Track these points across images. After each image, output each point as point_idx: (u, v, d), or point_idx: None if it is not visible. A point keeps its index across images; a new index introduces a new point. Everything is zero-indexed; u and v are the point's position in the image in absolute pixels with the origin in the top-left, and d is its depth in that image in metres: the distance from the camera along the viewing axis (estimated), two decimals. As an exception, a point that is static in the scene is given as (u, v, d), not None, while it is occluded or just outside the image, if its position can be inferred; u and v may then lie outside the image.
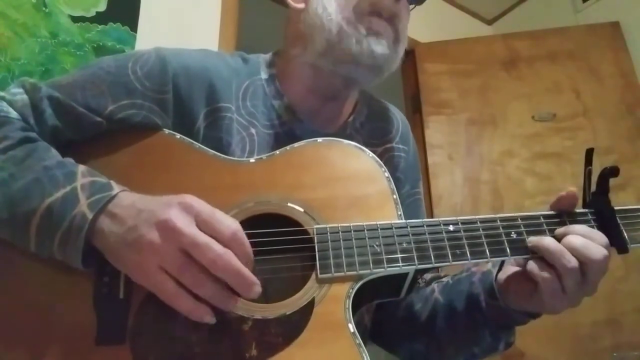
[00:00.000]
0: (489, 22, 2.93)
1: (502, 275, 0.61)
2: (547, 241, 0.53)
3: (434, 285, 0.70)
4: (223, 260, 0.45)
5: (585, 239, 0.53)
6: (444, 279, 0.71)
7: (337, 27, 0.64)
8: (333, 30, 0.64)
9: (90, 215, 0.48)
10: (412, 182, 0.81)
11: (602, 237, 0.54)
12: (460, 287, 0.66)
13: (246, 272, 0.46)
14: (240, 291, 0.47)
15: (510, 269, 0.60)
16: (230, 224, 0.48)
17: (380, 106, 0.83)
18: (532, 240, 0.55)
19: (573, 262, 0.51)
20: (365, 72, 0.67)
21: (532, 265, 0.54)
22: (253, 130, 0.68)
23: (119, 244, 0.48)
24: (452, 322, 0.65)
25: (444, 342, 0.67)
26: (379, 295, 0.61)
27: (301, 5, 0.70)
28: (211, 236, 0.46)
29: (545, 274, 0.52)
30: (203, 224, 0.47)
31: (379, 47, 0.64)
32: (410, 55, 2.36)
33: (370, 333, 0.75)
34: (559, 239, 0.54)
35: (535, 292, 0.54)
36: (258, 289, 0.47)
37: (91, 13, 1.49)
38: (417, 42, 2.36)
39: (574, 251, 0.52)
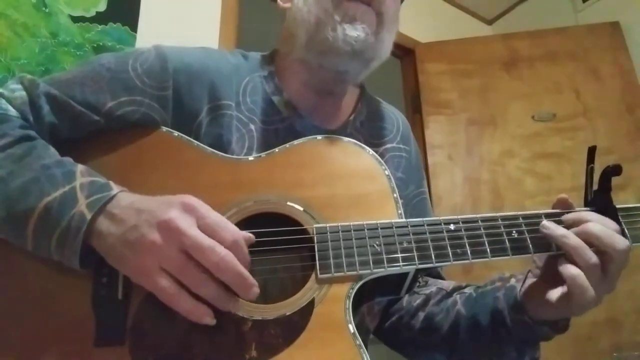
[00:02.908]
0: (489, 22, 2.93)
1: (524, 289, 0.60)
2: (569, 236, 0.53)
3: (456, 297, 0.69)
4: (226, 262, 0.45)
5: (604, 227, 0.52)
6: (466, 291, 0.69)
7: (315, 17, 0.64)
8: (312, 21, 0.64)
9: (89, 216, 0.48)
10: (416, 182, 0.80)
11: (614, 224, 0.53)
12: (484, 301, 0.64)
13: (247, 274, 0.47)
14: (240, 293, 0.47)
15: (531, 281, 0.59)
16: (232, 230, 0.48)
17: (380, 106, 0.83)
18: (549, 227, 0.54)
19: (595, 258, 0.51)
20: (347, 60, 0.65)
21: (571, 271, 0.52)
22: (252, 127, 0.67)
23: (119, 245, 0.47)
24: (476, 336, 0.64)
25: (467, 355, 0.66)
26: (379, 294, 0.61)
27: (287, 5, 0.70)
28: (212, 238, 0.46)
29: (572, 271, 0.51)
30: (205, 227, 0.47)
31: (354, 32, 0.63)
32: (410, 55, 2.36)
33: (386, 339, 0.75)
34: (569, 224, 0.54)
35: (564, 295, 0.53)
36: (257, 290, 0.47)
37: (91, 13, 1.49)
38: (417, 42, 2.36)
39: (596, 239, 0.51)
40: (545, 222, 0.55)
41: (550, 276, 0.56)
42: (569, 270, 0.52)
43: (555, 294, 0.55)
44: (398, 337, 0.73)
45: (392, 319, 0.74)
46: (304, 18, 0.65)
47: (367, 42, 0.63)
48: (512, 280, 0.63)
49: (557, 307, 0.55)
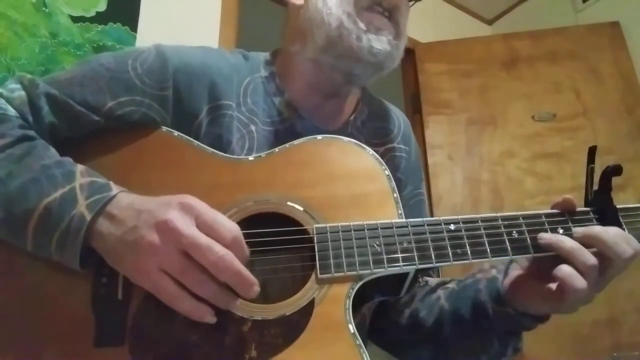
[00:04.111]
0: (489, 22, 2.93)
1: (509, 281, 0.60)
2: (564, 240, 0.53)
3: (439, 292, 0.69)
4: (225, 261, 0.45)
5: (613, 234, 0.52)
6: (449, 285, 0.69)
7: (337, 21, 0.64)
8: (333, 24, 0.64)
9: (89, 217, 0.48)
10: (414, 183, 0.80)
11: (621, 232, 0.53)
12: (466, 294, 0.65)
13: (246, 272, 0.47)
14: (240, 291, 0.47)
15: (517, 273, 0.59)
16: (231, 227, 0.48)
17: (382, 106, 0.83)
18: (545, 237, 0.54)
19: (593, 259, 0.51)
20: (365, 68, 0.66)
21: (564, 271, 0.51)
22: (253, 128, 0.67)
23: (118, 246, 0.48)
24: (459, 330, 0.64)
25: (451, 350, 0.66)
26: (379, 294, 0.61)
27: (300, 2, 0.70)
28: (211, 237, 0.46)
29: (576, 278, 0.51)
30: (203, 226, 0.47)
31: (379, 44, 0.64)
32: (410, 55, 2.36)
33: (376, 338, 0.74)
34: (579, 237, 0.54)
35: (557, 293, 0.53)
36: (257, 288, 0.47)
37: (91, 13, 1.49)
38: (417, 42, 2.36)
39: (602, 244, 0.52)
40: (540, 234, 0.55)
41: (537, 272, 0.56)
42: (565, 271, 0.51)
43: (545, 291, 0.55)
44: (386, 335, 0.74)
45: (380, 317, 0.74)
46: (323, 18, 0.65)
47: (390, 53, 0.65)
48: (493, 271, 0.63)
49: (547, 305, 0.55)
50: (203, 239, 0.46)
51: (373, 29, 0.64)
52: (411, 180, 0.79)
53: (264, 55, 0.76)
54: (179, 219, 0.46)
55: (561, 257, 0.53)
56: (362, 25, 0.63)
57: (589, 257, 0.51)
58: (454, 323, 0.65)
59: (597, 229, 0.53)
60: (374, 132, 0.77)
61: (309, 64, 0.70)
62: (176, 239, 0.45)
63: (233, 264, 0.46)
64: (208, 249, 0.45)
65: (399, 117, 0.83)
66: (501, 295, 0.60)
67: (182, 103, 0.63)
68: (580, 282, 0.51)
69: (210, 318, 0.47)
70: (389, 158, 0.76)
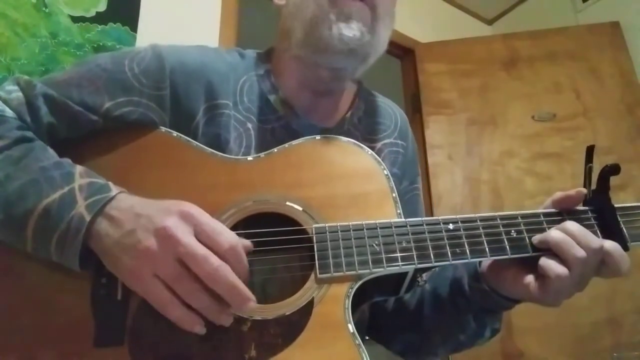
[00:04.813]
0: (489, 22, 2.94)
1: (489, 263, 0.60)
2: (555, 234, 0.53)
3: (423, 275, 0.71)
4: (219, 273, 0.45)
5: (581, 228, 0.53)
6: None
7: (312, 12, 0.64)
8: (308, 15, 0.64)
9: (88, 217, 0.48)
10: (410, 177, 0.80)
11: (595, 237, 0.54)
12: (445, 273, 0.66)
13: (241, 286, 0.46)
14: (234, 305, 0.47)
15: None
16: (229, 236, 0.48)
17: (379, 101, 0.83)
18: (538, 237, 0.55)
19: (582, 252, 0.51)
20: (343, 58, 0.65)
21: (545, 262, 0.53)
22: (250, 126, 0.67)
23: (115, 248, 0.48)
24: (437, 309, 0.65)
25: (431, 331, 0.67)
26: (378, 293, 0.61)
27: (282, 2, 0.71)
28: (208, 247, 0.46)
29: (560, 270, 0.52)
30: (202, 235, 0.47)
31: (348, 31, 0.63)
32: (410, 55, 2.36)
33: (368, 330, 0.75)
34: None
35: (538, 284, 0.54)
36: (252, 305, 0.47)
37: (91, 13, 1.49)
38: (417, 42, 2.36)
39: (573, 237, 0.52)
40: (533, 237, 0.55)
41: (520, 259, 0.56)
42: (545, 260, 0.52)
43: (531, 283, 0.55)
44: (375, 324, 0.74)
45: (370, 307, 0.74)
46: (300, 13, 0.65)
47: (362, 40, 0.63)
48: None
49: (529, 294, 0.55)
50: (199, 248, 0.45)
51: (343, 18, 0.63)
52: (407, 175, 0.80)
53: (260, 53, 0.76)
54: (177, 227, 0.46)
55: (553, 250, 0.53)
56: (332, 16, 0.63)
57: (577, 249, 0.52)
58: (433, 303, 0.66)
59: (567, 224, 0.54)
60: (370, 128, 0.77)
61: (295, 62, 0.70)
62: (173, 246, 0.45)
63: (227, 276, 0.45)
64: (204, 259, 0.45)
65: (396, 112, 0.83)
66: (478, 272, 0.61)
67: (179, 103, 0.63)
68: (560, 268, 0.51)
69: (199, 328, 0.47)
70: (385, 154, 0.76)
